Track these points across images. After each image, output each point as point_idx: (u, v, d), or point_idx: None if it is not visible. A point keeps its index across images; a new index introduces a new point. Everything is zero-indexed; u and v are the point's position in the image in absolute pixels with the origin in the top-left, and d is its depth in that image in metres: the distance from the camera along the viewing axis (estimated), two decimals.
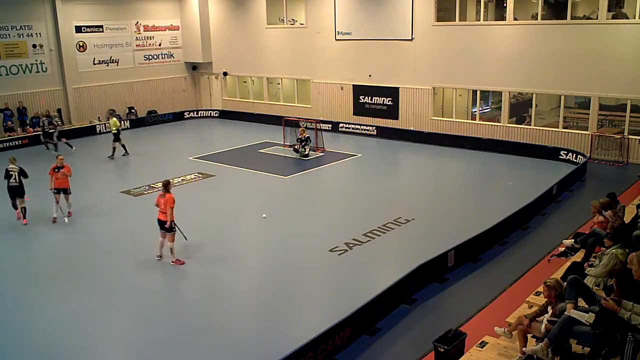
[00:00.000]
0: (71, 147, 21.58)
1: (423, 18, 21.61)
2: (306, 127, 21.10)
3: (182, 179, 17.32)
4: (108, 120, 22.96)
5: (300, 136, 20.26)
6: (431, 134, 21.73)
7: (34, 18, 24.49)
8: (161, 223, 11.16)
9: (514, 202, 13.40)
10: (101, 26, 26.65)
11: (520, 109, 21.58)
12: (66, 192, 13.82)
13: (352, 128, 24.09)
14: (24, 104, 24.37)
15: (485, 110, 22.62)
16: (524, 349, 6.50)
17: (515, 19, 19.69)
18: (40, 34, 24.72)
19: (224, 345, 8.53)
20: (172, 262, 11.22)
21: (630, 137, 18.03)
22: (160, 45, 29.03)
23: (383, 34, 22.84)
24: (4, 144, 22.53)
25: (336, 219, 13.75)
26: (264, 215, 13.97)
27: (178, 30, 29.61)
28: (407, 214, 13.59)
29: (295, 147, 20.31)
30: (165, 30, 29.13)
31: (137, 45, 28.07)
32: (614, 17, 17.88)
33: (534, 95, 19.98)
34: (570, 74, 18.66)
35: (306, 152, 20.10)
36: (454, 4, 20.87)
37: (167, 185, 11.33)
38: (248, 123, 27.00)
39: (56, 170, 13.69)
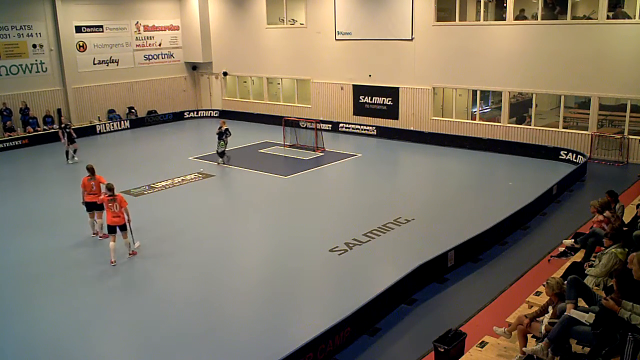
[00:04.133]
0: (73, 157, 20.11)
1: (423, 18, 21.62)
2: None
3: (182, 179, 17.32)
4: None
5: (218, 130, 18.96)
6: (431, 134, 21.73)
7: (34, 18, 24.49)
8: (98, 204, 12.16)
9: (514, 202, 13.40)
10: (101, 26, 26.66)
11: (520, 109, 21.58)
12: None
13: (352, 128, 24.08)
14: (27, 104, 24.40)
15: (485, 110, 22.62)
16: (524, 349, 6.50)
17: (525, 17, 19.69)
18: (40, 34, 24.72)
19: (224, 345, 8.53)
20: (100, 236, 12.53)
21: (630, 137, 18.02)
22: (160, 45, 29.04)
23: (383, 34, 22.84)
24: (4, 144, 22.55)
25: (336, 219, 13.75)
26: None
27: (178, 30, 29.62)
28: (407, 214, 13.59)
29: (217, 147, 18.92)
30: (165, 30, 29.14)
31: (137, 45, 28.08)
32: (614, 17, 17.88)
33: (534, 95, 19.98)
34: (570, 74, 18.66)
35: (222, 149, 18.77)
36: (454, 4, 20.87)
37: (92, 170, 12.51)
38: (248, 123, 27.00)
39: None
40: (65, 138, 19.84)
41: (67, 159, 19.95)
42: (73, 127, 25.08)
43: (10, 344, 8.69)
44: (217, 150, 19.09)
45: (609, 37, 17.82)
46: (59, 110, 25.49)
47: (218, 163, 18.98)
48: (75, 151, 20.13)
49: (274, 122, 25.50)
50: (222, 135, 18.92)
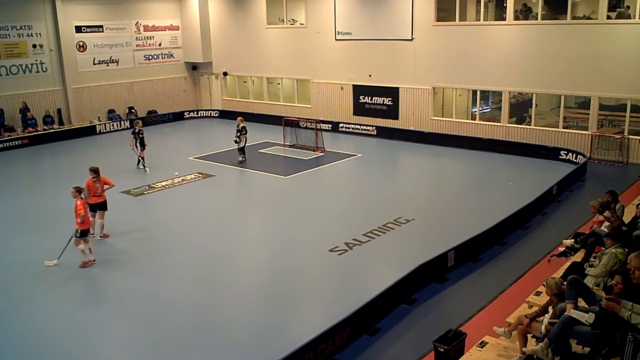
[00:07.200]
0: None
1: (423, 18, 21.62)
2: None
3: (182, 179, 17.32)
4: None
5: (237, 127, 19.32)
6: (431, 134, 21.73)
7: (34, 18, 24.49)
8: (102, 204, 12.54)
9: (514, 202, 13.40)
10: (101, 26, 26.66)
11: (520, 109, 21.59)
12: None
13: (352, 128, 24.08)
14: (27, 104, 24.39)
15: (485, 110, 22.62)
16: (524, 349, 6.50)
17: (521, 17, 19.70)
18: (40, 34, 24.72)
19: (224, 345, 8.52)
20: (101, 236, 12.64)
21: (630, 137, 18.02)
22: (160, 45, 29.04)
23: (383, 34, 22.84)
24: (4, 144, 22.54)
25: (336, 219, 13.75)
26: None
27: (178, 30, 29.62)
28: (407, 214, 13.59)
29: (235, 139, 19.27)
30: (165, 30, 29.15)
31: (137, 45, 28.08)
32: (617, 17, 17.87)
33: (534, 95, 19.98)
34: (570, 74, 18.66)
35: (241, 145, 19.16)
36: (454, 4, 20.87)
37: (97, 171, 12.49)
38: (248, 123, 26.86)
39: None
40: (138, 143, 18.24)
41: (145, 166, 18.29)
42: (73, 127, 25.23)
43: (10, 343, 8.69)
44: (237, 147, 19.35)
45: (609, 37, 17.82)
46: (59, 110, 25.51)
47: (239, 160, 19.25)
48: (141, 160, 18.50)
49: (274, 122, 25.50)
50: (239, 132, 19.19)
